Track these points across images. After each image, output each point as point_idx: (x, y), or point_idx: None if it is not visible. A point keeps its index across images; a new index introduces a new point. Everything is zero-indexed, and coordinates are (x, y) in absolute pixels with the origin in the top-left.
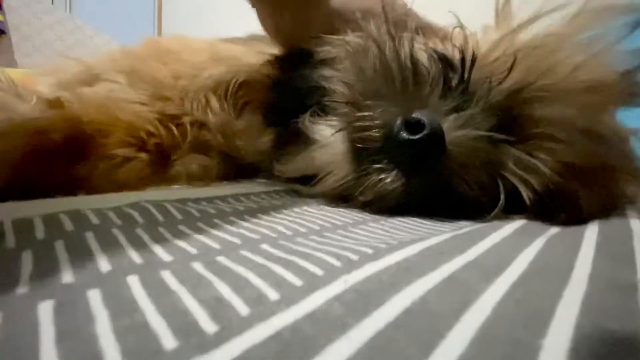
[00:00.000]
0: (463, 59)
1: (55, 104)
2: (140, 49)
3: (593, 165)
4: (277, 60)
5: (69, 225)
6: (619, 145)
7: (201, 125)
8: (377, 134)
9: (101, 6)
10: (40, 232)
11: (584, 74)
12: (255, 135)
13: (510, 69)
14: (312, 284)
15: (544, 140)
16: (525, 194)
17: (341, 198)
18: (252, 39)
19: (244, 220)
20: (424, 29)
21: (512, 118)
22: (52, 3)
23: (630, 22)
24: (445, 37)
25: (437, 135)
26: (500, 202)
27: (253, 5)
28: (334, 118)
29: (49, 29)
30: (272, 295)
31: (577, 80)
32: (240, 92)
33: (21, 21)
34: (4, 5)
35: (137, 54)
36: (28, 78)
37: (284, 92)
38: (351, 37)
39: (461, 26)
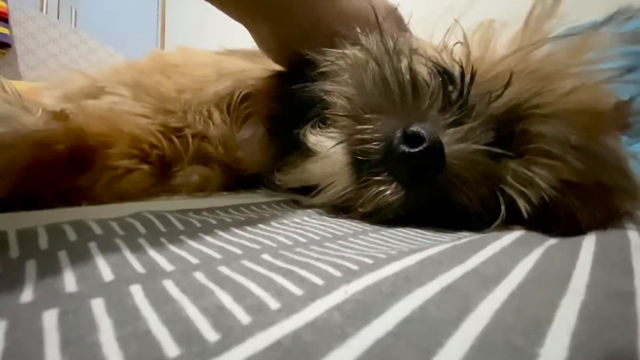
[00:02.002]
0: (463, 74)
1: (60, 116)
2: (145, 62)
3: (587, 181)
4: (280, 73)
5: (72, 236)
6: (615, 164)
7: (203, 137)
8: (377, 147)
9: (106, 20)
10: (44, 242)
11: (577, 97)
12: (256, 146)
13: (506, 86)
14: (313, 293)
15: (539, 156)
16: (523, 206)
17: (341, 209)
18: (256, 53)
19: (244, 230)
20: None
21: (509, 133)
22: (58, 17)
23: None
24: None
25: (436, 148)
26: (502, 214)
27: (250, 30)
28: (335, 130)
29: (54, 42)
30: (273, 304)
31: (570, 101)
32: (243, 104)
33: (26, 34)
34: (10, 18)
35: (141, 67)
36: (33, 91)
37: (286, 104)
38: (350, 51)
39: (463, 42)
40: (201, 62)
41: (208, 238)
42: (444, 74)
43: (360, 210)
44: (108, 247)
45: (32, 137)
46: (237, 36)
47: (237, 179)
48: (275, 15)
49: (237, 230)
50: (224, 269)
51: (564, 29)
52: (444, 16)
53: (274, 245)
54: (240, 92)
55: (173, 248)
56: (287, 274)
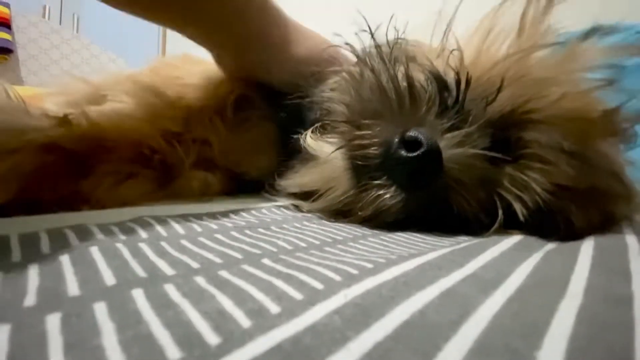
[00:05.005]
0: (457, 80)
1: (62, 121)
2: (147, 70)
3: (581, 186)
4: None
5: (74, 240)
6: (608, 169)
7: (204, 142)
8: (376, 152)
9: (107, 25)
10: (46, 247)
11: (567, 104)
12: (256, 151)
13: (498, 91)
14: (313, 297)
15: (534, 161)
16: (520, 210)
17: (341, 213)
18: None
19: (245, 235)
20: None
21: (505, 138)
22: (60, 23)
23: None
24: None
25: (434, 152)
26: (499, 218)
27: (211, 50)
28: (334, 136)
29: (56, 47)
30: (273, 308)
31: (560, 108)
32: (244, 109)
33: (29, 40)
34: (13, 24)
35: (144, 74)
36: (36, 96)
37: (286, 110)
38: (346, 67)
39: (458, 48)
40: (202, 69)
41: (209, 242)
42: (439, 80)
43: (360, 214)
44: (110, 252)
45: (35, 142)
46: None
47: (238, 184)
48: (235, 52)
49: (237, 235)
50: (224, 273)
51: (558, 35)
52: (441, 21)
53: (274, 249)
54: (239, 97)
55: (174, 252)
56: (288, 279)
